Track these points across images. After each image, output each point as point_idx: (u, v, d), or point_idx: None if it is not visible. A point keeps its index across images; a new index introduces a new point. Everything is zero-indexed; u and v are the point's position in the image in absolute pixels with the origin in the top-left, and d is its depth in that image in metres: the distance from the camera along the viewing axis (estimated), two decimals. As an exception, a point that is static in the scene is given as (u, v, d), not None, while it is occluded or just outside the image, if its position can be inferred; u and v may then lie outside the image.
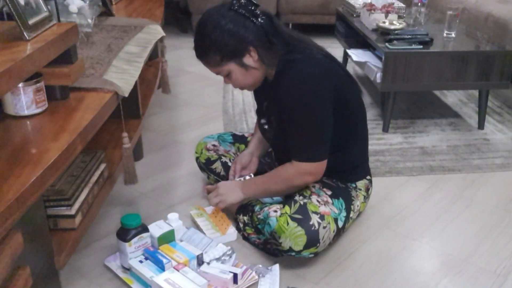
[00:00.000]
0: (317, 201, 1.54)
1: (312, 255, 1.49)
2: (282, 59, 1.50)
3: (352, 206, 1.63)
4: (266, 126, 1.66)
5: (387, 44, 2.36)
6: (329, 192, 1.60)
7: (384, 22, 2.61)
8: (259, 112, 1.71)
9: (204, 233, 1.66)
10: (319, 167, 1.53)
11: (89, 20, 1.90)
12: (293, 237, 1.44)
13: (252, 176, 1.76)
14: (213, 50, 1.46)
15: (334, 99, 1.49)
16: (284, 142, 1.56)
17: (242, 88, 1.59)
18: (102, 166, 1.63)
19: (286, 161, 1.71)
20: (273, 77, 1.56)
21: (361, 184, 1.70)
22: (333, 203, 1.56)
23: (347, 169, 1.67)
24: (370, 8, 2.78)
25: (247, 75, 1.51)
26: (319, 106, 1.47)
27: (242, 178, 1.74)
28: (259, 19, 1.46)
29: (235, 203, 1.67)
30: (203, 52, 1.50)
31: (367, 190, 1.73)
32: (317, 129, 1.49)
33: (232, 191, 1.65)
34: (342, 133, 1.56)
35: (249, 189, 1.64)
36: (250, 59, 1.48)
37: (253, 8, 1.47)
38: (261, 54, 1.48)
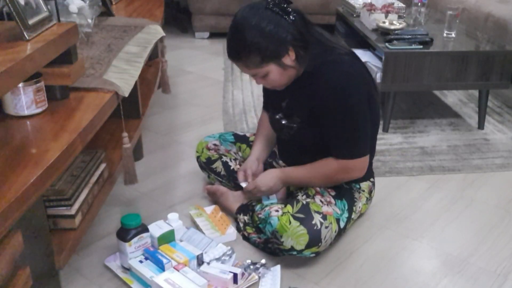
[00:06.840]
0: (320, 201, 1.54)
1: (313, 255, 1.49)
2: (313, 58, 1.50)
3: (354, 208, 1.64)
4: (283, 121, 1.63)
5: (387, 44, 2.36)
6: (333, 193, 1.60)
7: (384, 22, 2.61)
8: (275, 109, 1.68)
9: (203, 233, 1.66)
10: (364, 161, 1.55)
11: (89, 20, 1.90)
12: (295, 236, 1.44)
13: None
14: (254, 52, 1.44)
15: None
16: (307, 138, 1.58)
17: (275, 88, 1.58)
18: (102, 166, 1.63)
19: (290, 158, 1.70)
20: (301, 76, 1.55)
21: (365, 185, 1.70)
22: (335, 204, 1.56)
23: None
24: (370, 8, 2.78)
25: (284, 74, 1.51)
26: (360, 103, 1.49)
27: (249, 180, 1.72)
28: (291, 17, 1.45)
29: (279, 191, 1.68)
30: (242, 54, 1.47)
31: (370, 192, 1.73)
32: (360, 127, 1.51)
33: (275, 187, 1.63)
34: None
35: (291, 181, 1.64)
36: (288, 59, 1.47)
37: (285, 5, 1.46)
38: (298, 53, 1.48)
